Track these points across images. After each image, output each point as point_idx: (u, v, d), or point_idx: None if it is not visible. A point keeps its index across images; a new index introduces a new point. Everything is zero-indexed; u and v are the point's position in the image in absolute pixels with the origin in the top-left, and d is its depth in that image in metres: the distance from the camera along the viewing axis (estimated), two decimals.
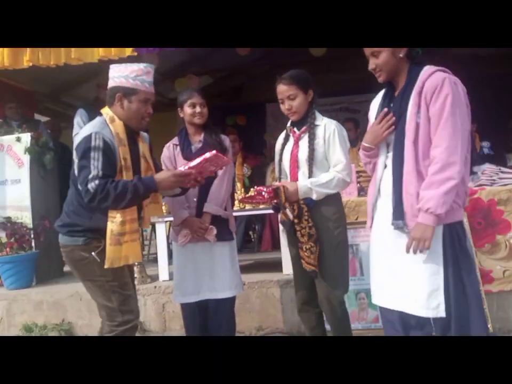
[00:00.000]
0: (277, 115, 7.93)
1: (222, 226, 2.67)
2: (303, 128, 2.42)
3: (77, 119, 4.24)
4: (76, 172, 2.13)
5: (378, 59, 1.91)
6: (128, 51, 3.70)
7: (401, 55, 1.89)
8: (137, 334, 2.90)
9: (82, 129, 2.21)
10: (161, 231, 3.80)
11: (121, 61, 3.77)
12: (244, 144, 5.73)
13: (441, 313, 1.81)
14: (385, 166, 1.99)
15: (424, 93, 1.82)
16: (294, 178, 2.41)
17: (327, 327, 2.58)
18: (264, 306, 3.48)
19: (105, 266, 2.10)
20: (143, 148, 2.33)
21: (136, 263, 3.86)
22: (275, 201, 2.41)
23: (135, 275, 3.39)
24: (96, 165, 2.08)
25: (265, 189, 2.36)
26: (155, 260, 4.03)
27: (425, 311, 1.84)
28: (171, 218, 2.90)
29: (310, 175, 2.35)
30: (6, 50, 3.78)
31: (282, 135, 2.57)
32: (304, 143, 2.40)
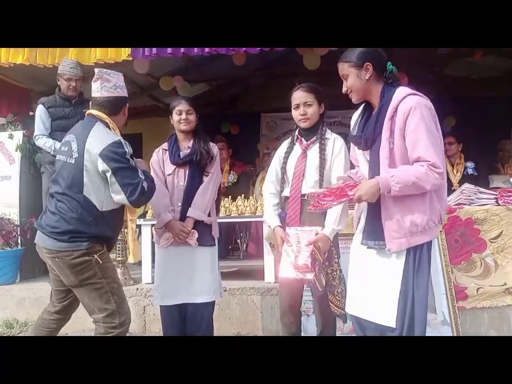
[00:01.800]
0: (271, 125, 8.08)
1: (204, 231, 2.71)
2: (313, 139, 2.46)
3: (37, 118, 3.91)
4: (112, 175, 2.14)
5: (348, 82, 1.99)
6: (124, 55, 3.76)
7: (367, 78, 1.94)
8: None
9: (99, 135, 2.21)
10: (146, 234, 3.83)
11: (116, 64, 3.86)
12: (234, 151, 5.78)
13: (392, 323, 1.86)
14: None
15: (397, 119, 1.85)
16: (297, 186, 2.42)
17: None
18: (244, 313, 3.52)
19: (132, 262, 2.39)
20: None
21: (119, 265, 3.90)
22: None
23: (119, 277, 3.42)
24: (137, 169, 2.25)
25: (309, 264, 2.24)
26: (140, 264, 4.04)
27: (382, 320, 1.89)
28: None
29: (321, 183, 2.37)
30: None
31: (286, 144, 2.58)
32: (313, 153, 2.43)
